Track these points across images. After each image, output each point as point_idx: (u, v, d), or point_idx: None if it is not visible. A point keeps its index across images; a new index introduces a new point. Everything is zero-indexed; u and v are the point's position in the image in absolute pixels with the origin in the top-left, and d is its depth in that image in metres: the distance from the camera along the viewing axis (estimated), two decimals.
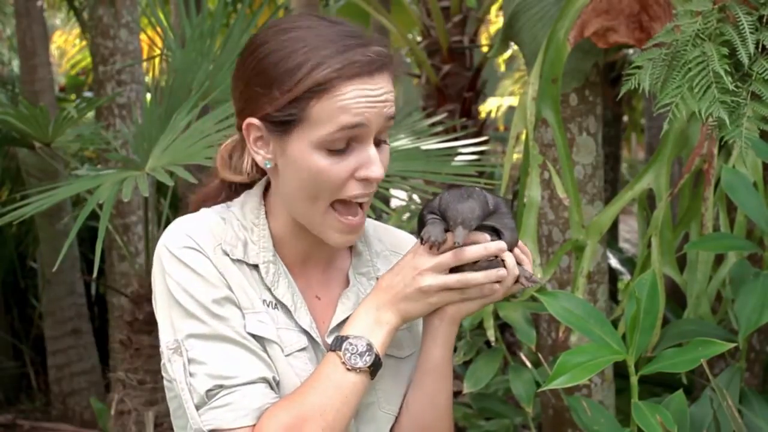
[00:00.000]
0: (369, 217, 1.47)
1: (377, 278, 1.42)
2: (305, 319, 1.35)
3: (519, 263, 1.33)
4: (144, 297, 3.43)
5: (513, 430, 3.08)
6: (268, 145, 1.31)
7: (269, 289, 1.34)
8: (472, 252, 1.29)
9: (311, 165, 1.27)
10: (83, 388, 5.08)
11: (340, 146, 1.26)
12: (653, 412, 1.76)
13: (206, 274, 1.29)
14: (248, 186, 1.42)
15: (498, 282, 1.31)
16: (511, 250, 1.32)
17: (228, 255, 1.32)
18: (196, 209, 1.40)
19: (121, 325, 3.58)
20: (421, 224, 1.33)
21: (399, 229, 1.54)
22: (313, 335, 1.35)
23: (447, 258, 1.29)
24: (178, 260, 1.30)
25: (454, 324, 1.35)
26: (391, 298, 1.30)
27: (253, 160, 1.36)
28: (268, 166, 1.32)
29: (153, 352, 3.38)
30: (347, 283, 1.41)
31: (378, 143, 1.30)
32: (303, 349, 1.34)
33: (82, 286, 5.21)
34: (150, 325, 3.40)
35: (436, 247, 1.28)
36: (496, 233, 1.32)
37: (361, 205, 1.32)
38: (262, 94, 1.27)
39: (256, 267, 1.34)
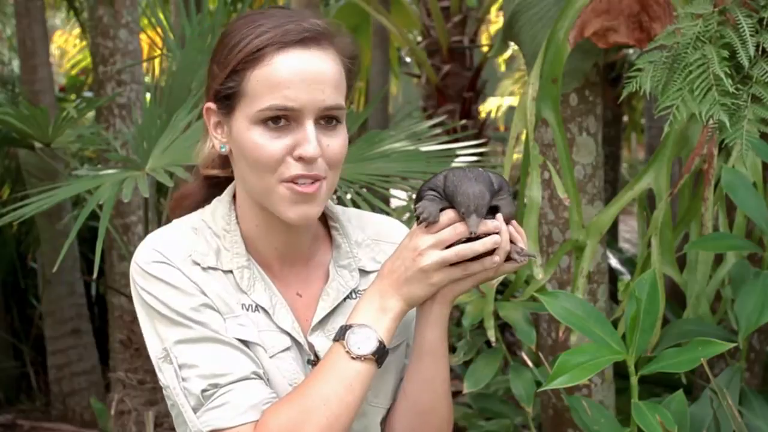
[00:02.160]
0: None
1: (359, 269, 1.42)
2: (286, 319, 1.35)
3: (512, 241, 1.31)
4: None
5: (513, 430, 3.08)
6: (223, 129, 1.34)
7: (246, 293, 1.34)
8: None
9: (250, 140, 1.28)
10: (83, 388, 5.08)
11: (275, 119, 1.27)
12: (653, 412, 1.76)
13: (180, 285, 1.30)
14: (226, 182, 1.42)
15: (495, 253, 1.28)
16: (507, 222, 1.30)
17: (199, 264, 1.32)
18: (176, 206, 1.43)
19: (121, 325, 3.58)
20: (419, 199, 1.31)
21: (384, 216, 1.53)
22: (295, 335, 1.35)
23: (445, 234, 1.27)
24: (149, 275, 1.31)
25: (446, 304, 1.34)
26: (393, 282, 1.29)
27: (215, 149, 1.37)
28: (223, 150, 1.34)
29: None
30: (328, 278, 1.41)
31: (328, 123, 1.29)
32: (287, 349, 1.34)
33: (82, 286, 5.20)
34: None
35: (425, 225, 1.27)
36: (493, 211, 1.30)
37: (316, 181, 1.29)
38: (212, 73, 1.32)
39: (231, 272, 1.34)
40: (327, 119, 1.29)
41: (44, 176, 4.47)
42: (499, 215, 1.30)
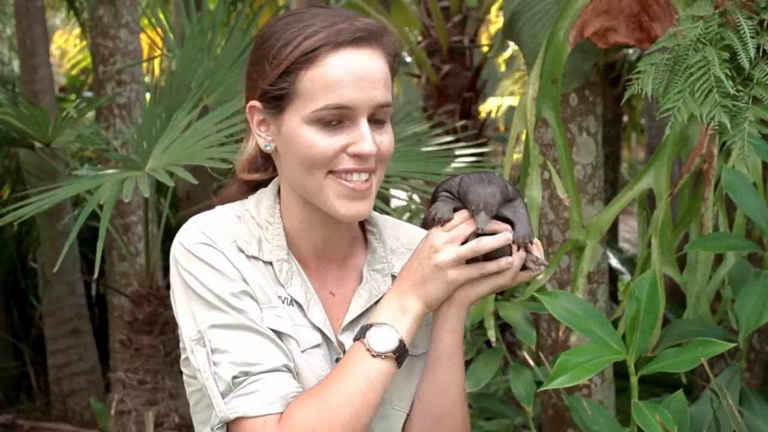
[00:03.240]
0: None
1: (392, 275, 1.43)
2: (319, 316, 1.36)
3: (528, 250, 1.33)
4: (144, 297, 3.43)
5: (513, 430, 3.08)
6: (268, 127, 1.35)
7: (283, 286, 1.35)
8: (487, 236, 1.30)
9: (303, 139, 1.29)
10: (83, 388, 5.08)
11: (330, 120, 1.29)
12: (653, 412, 1.76)
13: (223, 269, 1.31)
14: (265, 185, 1.43)
15: (510, 255, 1.31)
16: (525, 241, 1.31)
17: (243, 251, 1.33)
18: None
19: (121, 325, 3.58)
20: (433, 200, 1.33)
21: (418, 227, 1.54)
22: (326, 333, 1.36)
23: (459, 230, 1.29)
24: (194, 256, 1.31)
25: (463, 309, 1.35)
26: (412, 283, 1.31)
27: (257, 146, 1.38)
28: (268, 148, 1.35)
29: (153, 352, 3.38)
30: (362, 279, 1.42)
31: (378, 121, 1.32)
32: (317, 345, 1.35)
33: (82, 286, 5.21)
34: (150, 325, 3.40)
35: (440, 224, 1.29)
36: (510, 224, 1.31)
37: (368, 178, 1.32)
38: (259, 72, 1.33)
39: (270, 264, 1.35)
40: (376, 120, 1.31)
41: (44, 176, 4.47)
42: (520, 214, 1.31)
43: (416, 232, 1.51)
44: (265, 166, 1.43)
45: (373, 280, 1.42)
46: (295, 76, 1.28)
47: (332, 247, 1.40)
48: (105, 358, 5.20)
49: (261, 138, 1.35)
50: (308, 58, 1.27)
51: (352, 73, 1.28)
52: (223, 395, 1.28)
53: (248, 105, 1.35)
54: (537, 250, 1.34)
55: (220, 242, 1.32)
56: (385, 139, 1.33)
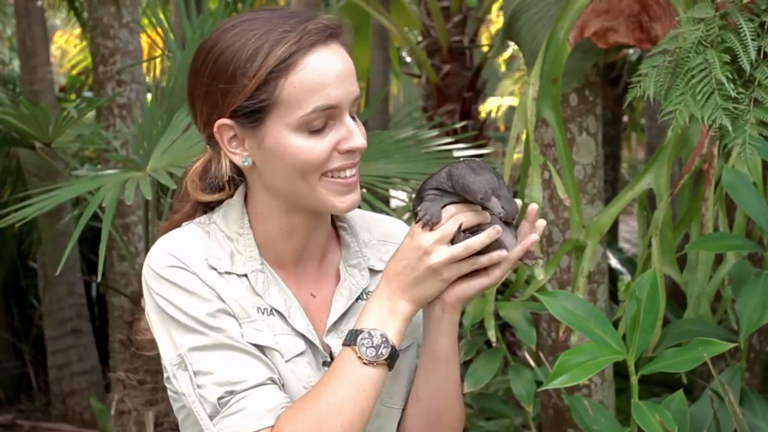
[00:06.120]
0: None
1: (369, 268, 1.42)
2: (301, 321, 1.34)
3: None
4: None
5: (513, 430, 3.08)
6: (243, 143, 1.31)
7: (261, 297, 1.33)
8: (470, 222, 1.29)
9: (292, 148, 1.27)
10: (83, 388, 5.08)
11: (319, 126, 1.27)
12: (653, 412, 1.76)
13: (196, 290, 1.29)
14: (218, 203, 1.40)
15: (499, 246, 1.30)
16: (512, 219, 1.31)
17: (215, 269, 1.31)
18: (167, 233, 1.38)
19: (121, 325, 3.58)
20: (419, 199, 1.32)
21: (387, 217, 1.53)
22: (311, 338, 1.34)
23: (448, 228, 1.28)
24: (165, 280, 1.29)
25: (456, 312, 1.34)
26: (402, 285, 1.29)
27: (231, 163, 1.34)
28: (246, 163, 1.31)
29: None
30: (339, 277, 1.40)
31: (352, 116, 1.31)
32: (301, 353, 1.33)
33: (82, 286, 5.21)
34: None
35: (429, 227, 1.28)
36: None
37: (353, 168, 1.32)
38: (228, 89, 1.27)
39: (245, 276, 1.33)
40: (350, 111, 1.31)
41: (45, 176, 4.48)
42: (532, 206, 1.31)
43: (387, 223, 1.50)
44: (230, 185, 1.38)
45: (351, 276, 1.40)
46: (275, 85, 1.25)
47: (312, 247, 1.39)
48: (105, 358, 5.20)
49: (236, 155, 1.31)
50: (286, 64, 1.25)
51: (332, 71, 1.27)
52: (211, 417, 1.26)
53: (217, 125, 1.30)
54: (531, 233, 1.34)
55: (191, 262, 1.30)
56: (363, 131, 1.33)
